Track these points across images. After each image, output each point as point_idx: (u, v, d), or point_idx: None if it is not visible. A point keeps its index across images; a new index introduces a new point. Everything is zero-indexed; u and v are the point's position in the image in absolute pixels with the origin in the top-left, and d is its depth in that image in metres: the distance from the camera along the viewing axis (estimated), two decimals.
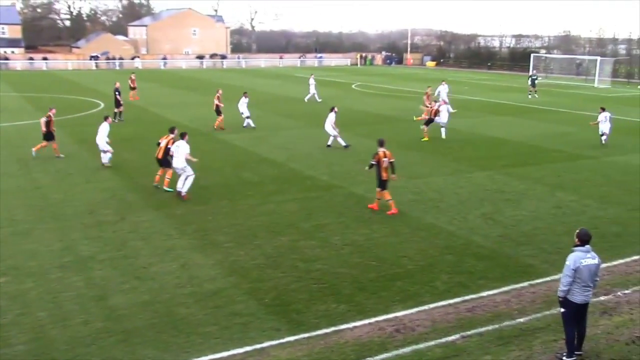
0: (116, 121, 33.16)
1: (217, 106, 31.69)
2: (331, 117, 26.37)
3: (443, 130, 29.42)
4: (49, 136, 23.91)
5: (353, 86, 61.59)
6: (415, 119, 30.11)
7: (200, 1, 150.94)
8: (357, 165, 22.90)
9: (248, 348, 9.67)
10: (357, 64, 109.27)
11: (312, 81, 46.64)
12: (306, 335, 10.12)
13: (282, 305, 11.17)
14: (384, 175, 16.82)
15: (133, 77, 44.55)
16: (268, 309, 11.01)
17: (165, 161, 19.02)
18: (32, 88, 55.51)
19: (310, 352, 9.58)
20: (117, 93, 34.23)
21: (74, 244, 14.29)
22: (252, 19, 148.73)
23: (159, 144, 19.39)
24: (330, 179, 21.06)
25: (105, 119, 22.81)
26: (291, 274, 12.65)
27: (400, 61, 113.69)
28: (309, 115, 37.51)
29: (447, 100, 32.61)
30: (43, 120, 23.85)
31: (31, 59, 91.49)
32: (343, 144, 26.38)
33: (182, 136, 18.97)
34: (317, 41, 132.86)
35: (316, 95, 46.01)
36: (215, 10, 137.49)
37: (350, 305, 11.23)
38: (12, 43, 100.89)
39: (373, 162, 16.92)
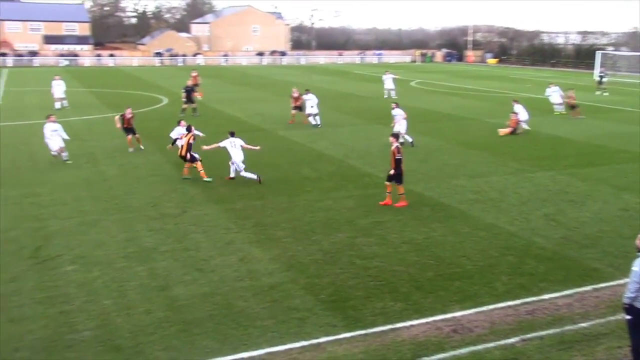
0: (183, 115, 34.03)
1: (296, 104, 32.10)
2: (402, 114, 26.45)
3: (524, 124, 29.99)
4: (128, 131, 24.76)
5: (412, 83, 61.08)
6: (500, 133, 29.08)
7: None
8: (416, 164, 22.74)
9: (304, 343, 9.76)
10: (416, 61, 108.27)
11: (386, 77, 46.52)
12: (362, 332, 10.14)
13: (339, 302, 11.21)
14: (392, 172, 17.21)
15: (194, 74, 45.30)
16: (325, 305, 11.07)
17: (191, 157, 19.97)
18: (99, 83, 57.35)
19: (367, 350, 9.59)
20: (188, 90, 34.95)
21: (137, 235, 14.72)
22: (312, 16, 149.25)
23: (174, 142, 20.91)
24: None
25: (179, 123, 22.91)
26: (348, 270, 12.68)
27: (460, 58, 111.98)
28: (368, 112, 37.44)
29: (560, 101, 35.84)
30: (117, 117, 24.89)
31: (99, 55, 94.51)
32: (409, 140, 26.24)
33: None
34: (376, 38, 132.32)
35: (392, 92, 45.96)
36: (276, 7, 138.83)
37: (407, 303, 11.18)
38: (81, 40, 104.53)
39: (400, 157, 17.06)
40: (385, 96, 46.06)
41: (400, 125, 26.24)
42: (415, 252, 13.80)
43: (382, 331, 10.18)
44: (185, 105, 34.83)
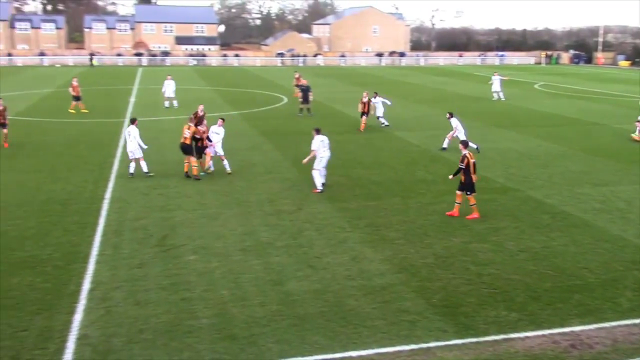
0: (300, 115, 34.91)
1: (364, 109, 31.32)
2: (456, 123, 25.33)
3: None
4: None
5: (536, 86, 58.76)
6: (633, 137, 27.46)
7: (383, 0, 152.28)
8: (536, 170, 21.91)
9: (414, 346, 9.70)
10: (541, 63, 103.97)
11: (495, 78, 45.53)
12: (474, 340, 9.92)
13: (451, 307, 11.03)
14: (474, 178, 16.23)
15: (297, 75, 46.12)
16: (436, 309, 10.94)
17: (200, 149, 20.36)
18: (224, 82, 59.80)
19: (478, 358, 9.38)
20: (304, 90, 35.67)
21: (254, 229, 15.24)
22: (433, 17, 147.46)
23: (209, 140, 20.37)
24: (506, 181, 20.34)
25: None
26: (461, 276, 12.44)
27: (589, 60, 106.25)
28: (486, 115, 36.47)
29: None
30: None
31: (225, 55, 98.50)
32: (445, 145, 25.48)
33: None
34: (499, 39, 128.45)
35: (501, 94, 44.82)
36: (397, 8, 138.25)
37: (522, 314, 10.81)
38: (209, 41, 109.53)
39: (463, 166, 16.15)
40: (494, 98, 44.89)
41: (460, 133, 25.15)
42: (533, 261, 13.30)
43: (495, 340, 9.91)
44: (302, 105, 35.59)
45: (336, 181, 19.57)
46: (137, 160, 20.36)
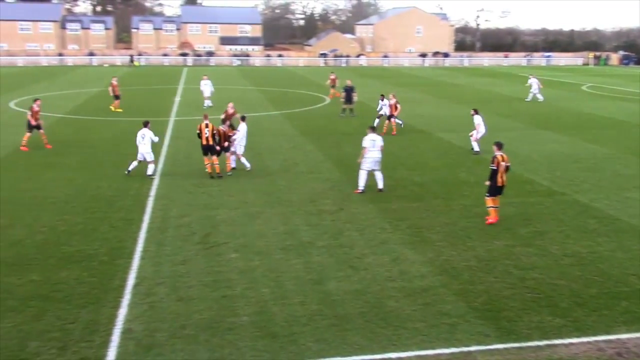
0: (343, 115, 34.94)
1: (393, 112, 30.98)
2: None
3: None
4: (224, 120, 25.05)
5: (583, 87, 57.47)
6: None
7: (427, 0, 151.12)
8: (583, 172, 21.46)
9: (454, 349, 9.61)
10: (589, 64, 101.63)
11: (531, 81, 45.10)
12: (516, 345, 9.77)
13: (493, 311, 10.89)
14: (499, 181, 15.73)
15: (332, 76, 46.35)
16: (477, 313, 10.81)
17: (225, 149, 20.46)
18: (267, 82, 60.24)
19: None
20: (348, 90, 35.62)
21: (295, 229, 15.32)
22: (478, 17, 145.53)
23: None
24: (551, 184, 19.96)
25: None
26: (504, 280, 12.26)
27: (639, 61, 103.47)
28: (532, 117, 35.85)
29: None
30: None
31: (268, 55, 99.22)
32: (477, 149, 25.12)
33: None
34: (545, 39, 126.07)
35: (538, 95, 44.19)
36: (441, 8, 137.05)
37: (566, 319, 10.59)
38: (253, 41, 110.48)
39: (494, 167, 15.70)
40: (528, 99, 44.50)
41: (479, 132, 25.04)
42: (579, 266, 13.02)
43: (538, 346, 9.75)
44: (344, 105, 35.57)
45: (378, 182, 19.50)
46: (146, 163, 20.49)
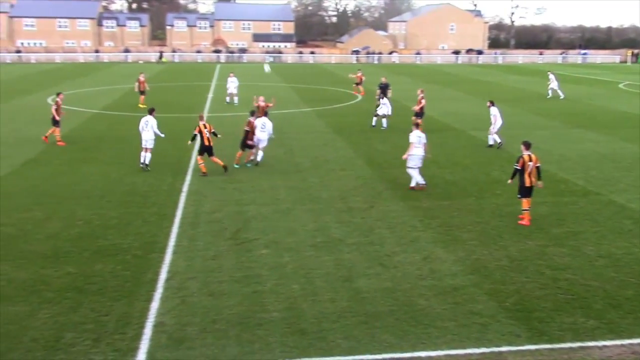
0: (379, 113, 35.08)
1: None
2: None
3: None
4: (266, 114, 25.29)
5: (620, 85, 56.33)
6: None
7: None
8: (619, 172, 21.06)
9: (485, 349, 9.53)
10: (626, 62, 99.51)
11: (551, 77, 45.39)
12: (548, 346, 9.65)
13: (524, 312, 10.76)
14: (527, 181, 15.35)
15: (359, 73, 46.68)
16: (508, 313, 10.70)
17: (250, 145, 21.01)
18: (299, 79, 60.35)
19: None
20: (383, 87, 35.63)
21: (326, 226, 15.34)
22: (512, 14, 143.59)
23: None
24: (586, 184, 19.63)
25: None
26: (536, 280, 12.11)
27: None
28: (567, 115, 35.28)
29: None
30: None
31: (300, 52, 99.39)
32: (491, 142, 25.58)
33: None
34: (582, 37, 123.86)
35: (559, 91, 44.31)
36: (475, 5, 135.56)
37: (600, 321, 10.42)
38: (285, 38, 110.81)
39: (517, 167, 15.43)
40: (549, 96, 44.60)
41: (495, 124, 25.23)
42: (613, 267, 12.78)
43: (571, 348, 9.61)
44: (379, 102, 35.53)
45: (409, 179, 19.41)
46: (146, 150, 20.84)
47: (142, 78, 38.32)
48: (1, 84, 52.04)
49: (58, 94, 26.66)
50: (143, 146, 20.87)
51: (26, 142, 25.61)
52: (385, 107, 30.01)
